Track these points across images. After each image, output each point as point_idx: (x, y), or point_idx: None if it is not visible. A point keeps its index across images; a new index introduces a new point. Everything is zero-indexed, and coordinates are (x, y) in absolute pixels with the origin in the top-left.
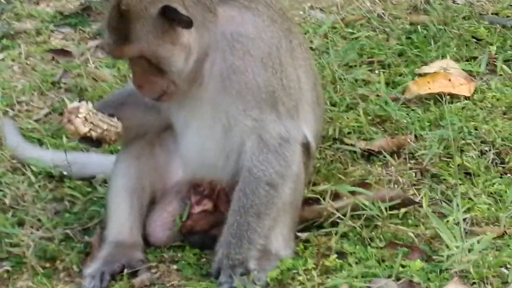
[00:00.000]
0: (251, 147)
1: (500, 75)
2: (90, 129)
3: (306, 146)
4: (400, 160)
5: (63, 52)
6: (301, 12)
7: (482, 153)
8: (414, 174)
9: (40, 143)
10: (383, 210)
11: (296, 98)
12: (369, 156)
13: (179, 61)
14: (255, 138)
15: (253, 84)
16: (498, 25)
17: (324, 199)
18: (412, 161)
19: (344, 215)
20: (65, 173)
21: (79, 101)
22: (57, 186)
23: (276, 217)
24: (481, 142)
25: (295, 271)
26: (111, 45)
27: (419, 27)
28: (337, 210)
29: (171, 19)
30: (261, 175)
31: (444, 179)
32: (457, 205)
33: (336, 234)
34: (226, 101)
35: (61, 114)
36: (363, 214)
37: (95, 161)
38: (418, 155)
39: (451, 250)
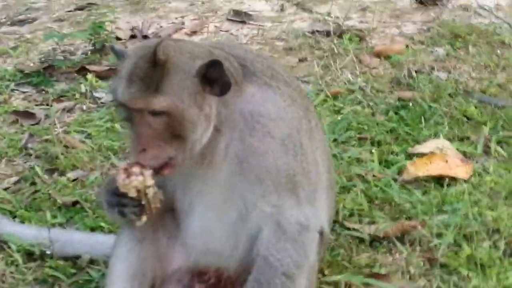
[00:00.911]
0: (268, 235)
1: (495, 157)
2: (149, 187)
3: (320, 233)
4: (405, 247)
5: (27, 114)
6: None
7: (492, 242)
8: (422, 263)
9: (12, 215)
10: None
11: (315, 183)
12: (371, 241)
13: (200, 129)
14: (272, 225)
15: (272, 167)
16: (487, 104)
17: None
18: (418, 248)
19: None
20: (47, 251)
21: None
22: (38, 265)
23: None
24: (490, 230)
25: None
26: (134, 94)
27: (410, 103)
28: None
29: (208, 80)
30: (278, 265)
31: (455, 270)
32: None
33: None
34: (242, 185)
35: (32, 184)
36: None
37: (79, 240)
38: (424, 243)
39: None
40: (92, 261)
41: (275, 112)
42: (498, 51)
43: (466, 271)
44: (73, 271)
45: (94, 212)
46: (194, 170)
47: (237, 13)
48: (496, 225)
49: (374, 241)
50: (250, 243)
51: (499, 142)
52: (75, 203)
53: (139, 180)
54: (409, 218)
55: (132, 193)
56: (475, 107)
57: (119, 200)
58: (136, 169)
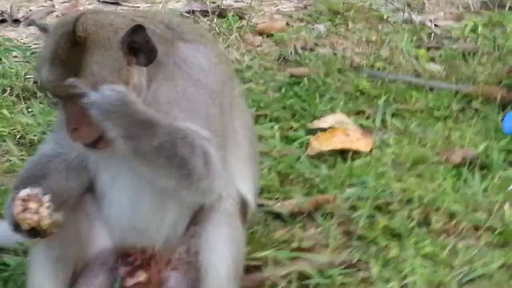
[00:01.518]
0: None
1: (391, 129)
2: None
3: (243, 204)
4: (321, 221)
5: None
6: None
7: (406, 213)
8: (339, 236)
9: None
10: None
11: (226, 149)
12: (286, 217)
13: None
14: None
15: (202, 114)
16: (376, 78)
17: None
18: (333, 222)
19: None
20: None
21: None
22: None
23: None
24: (402, 201)
25: None
26: (54, 79)
27: (304, 80)
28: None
29: (133, 50)
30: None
31: (372, 241)
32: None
33: None
34: None
35: None
36: (310, 283)
37: None
38: (338, 216)
39: None
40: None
41: (206, 65)
42: (379, 27)
43: (384, 242)
44: None
45: None
46: None
47: None
48: (406, 196)
49: (289, 217)
50: (176, 216)
51: (393, 115)
52: None
53: (33, 219)
54: (321, 192)
55: (25, 227)
56: (367, 82)
57: (14, 227)
58: (33, 205)
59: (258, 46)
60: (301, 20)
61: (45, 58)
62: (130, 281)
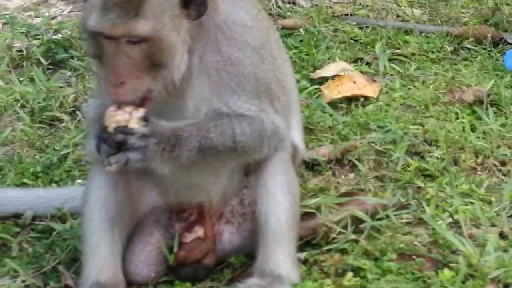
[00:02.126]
0: (250, 128)
1: (391, 74)
2: None
3: (294, 150)
4: (347, 168)
5: None
6: None
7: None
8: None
9: None
10: (393, 219)
11: (289, 94)
12: (312, 166)
13: (179, 55)
14: (256, 121)
15: (251, 76)
16: (365, 25)
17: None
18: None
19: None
20: None
21: None
22: None
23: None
24: (428, 142)
25: None
26: (113, 20)
27: (299, 30)
28: None
29: (185, 2)
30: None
31: (408, 183)
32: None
33: (340, 251)
34: (224, 95)
35: None
36: (364, 227)
37: (16, 197)
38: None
39: (472, 257)
40: (34, 218)
41: (249, 21)
42: None
43: (421, 183)
44: (16, 229)
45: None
46: (169, 100)
47: None
48: (430, 137)
49: (317, 166)
50: (232, 170)
51: (390, 60)
52: None
53: (124, 118)
54: (344, 139)
55: (111, 129)
56: (358, 29)
57: (100, 132)
58: (127, 108)
59: None
60: None
61: (95, 5)
62: (189, 237)
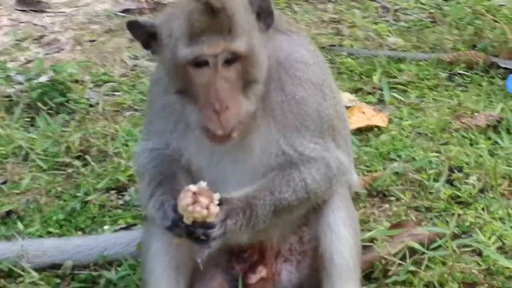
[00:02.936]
0: (316, 170)
1: (392, 103)
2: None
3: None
4: (377, 199)
5: None
6: None
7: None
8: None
9: None
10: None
11: (348, 127)
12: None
13: (264, 72)
14: (322, 163)
15: (315, 114)
16: (356, 56)
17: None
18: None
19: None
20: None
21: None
22: (17, 283)
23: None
24: (452, 169)
25: None
26: (211, 40)
27: None
28: None
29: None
30: (311, 188)
31: (443, 211)
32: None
33: (400, 283)
34: (289, 134)
35: None
36: (419, 258)
37: (54, 247)
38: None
39: None
40: (74, 268)
41: (309, 58)
42: (321, 6)
43: (459, 210)
44: (57, 281)
45: (32, 220)
46: (236, 143)
47: (24, 1)
48: (456, 163)
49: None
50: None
51: (390, 89)
52: (8, 212)
53: (202, 214)
54: (369, 169)
55: (188, 221)
56: (353, 60)
57: (173, 219)
58: (204, 200)
59: None
60: None
61: (178, 38)
62: (254, 278)
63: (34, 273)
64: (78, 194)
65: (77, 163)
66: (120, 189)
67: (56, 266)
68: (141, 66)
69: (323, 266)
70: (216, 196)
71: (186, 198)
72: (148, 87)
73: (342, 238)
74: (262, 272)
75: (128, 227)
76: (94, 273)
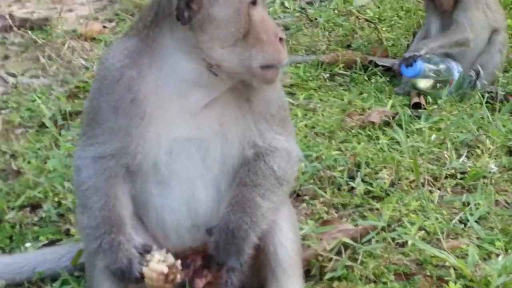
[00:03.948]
0: (280, 158)
1: None
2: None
3: None
4: (292, 199)
5: None
6: None
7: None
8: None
9: None
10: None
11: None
12: None
13: None
14: (284, 152)
15: (277, 103)
16: None
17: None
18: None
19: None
20: None
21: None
22: None
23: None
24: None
25: None
26: None
27: None
28: None
29: None
30: (278, 174)
31: (359, 206)
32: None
33: (337, 279)
34: (258, 127)
35: None
36: (358, 252)
37: None
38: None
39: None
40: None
41: None
42: None
43: (376, 204)
44: None
45: None
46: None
47: None
48: (360, 159)
49: None
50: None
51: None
52: None
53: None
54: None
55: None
56: None
57: (136, 277)
58: (172, 276)
59: (91, 51)
60: (110, 20)
61: None
62: (200, 283)
63: None
64: None
65: None
66: (34, 206)
67: None
68: (22, 82)
69: (266, 262)
70: (178, 264)
71: (158, 280)
72: (95, 83)
73: (285, 232)
74: (208, 276)
75: (50, 243)
76: None
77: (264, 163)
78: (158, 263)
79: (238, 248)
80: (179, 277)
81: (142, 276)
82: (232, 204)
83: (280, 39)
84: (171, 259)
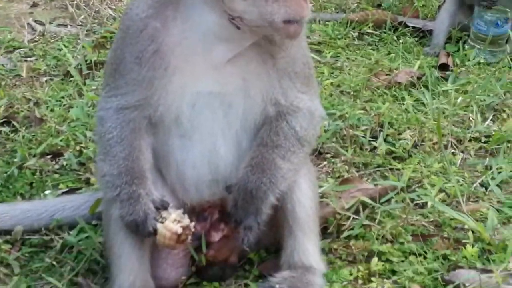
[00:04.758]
0: (302, 118)
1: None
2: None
3: None
4: (313, 157)
5: None
6: None
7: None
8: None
9: None
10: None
11: None
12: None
13: None
14: (307, 111)
15: (303, 61)
16: None
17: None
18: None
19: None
20: None
21: (165, 207)
22: None
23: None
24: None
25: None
26: None
27: None
28: None
29: None
30: (300, 135)
31: (380, 166)
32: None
33: (354, 237)
34: (282, 85)
35: None
36: (376, 212)
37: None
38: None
39: (482, 233)
40: (24, 233)
41: None
42: None
43: (397, 165)
44: (7, 246)
45: None
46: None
47: None
48: (385, 120)
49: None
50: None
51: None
52: None
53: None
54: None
55: (160, 242)
56: None
57: (149, 232)
58: (184, 237)
59: (119, 1)
60: None
61: None
62: (216, 236)
63: None
64: (15, 160)
65: (6, 129)
66: (55, 154)
67: (4, 233)
68: (50, 31)
69: (284, 219)
70: (192, 225)
71: (171, 239)
72: (118, 34)
73: (303, 190)
74: (224, 230)
75: (69, 191)
76: (46, 238)
77: (286, 123)
78: (174, 223)
79: (256, 208)
80: (190, 239)
81: (155, 232)
82: (252, 165)
83: None
84: (186, 220)
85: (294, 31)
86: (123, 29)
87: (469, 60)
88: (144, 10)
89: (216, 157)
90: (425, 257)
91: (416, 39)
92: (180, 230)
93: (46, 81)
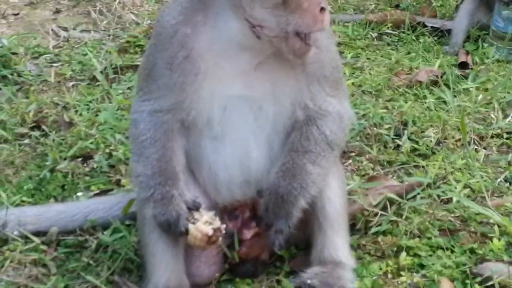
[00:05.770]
0: (332, 122)
1: None
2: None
3: None
4: None
5: None
6: None
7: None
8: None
9: None
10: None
11: None
12: None
13: None
14: (336, 115)
15: (332, 64)
16: None
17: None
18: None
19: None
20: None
21: (197, 207)
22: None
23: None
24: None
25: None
26: None
27: None
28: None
29: None
30: (330, 139)
31: (404, 164)
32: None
33: (382, 233)
34: (310, 89)
35: None
36: (403, 208)
37: (35, 214)
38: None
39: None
40: (58, 234)
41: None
42: None
43: (422, 162)
44: (43, 247)
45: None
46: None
47: None
48: (407, 118)
49: None
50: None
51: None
52: None
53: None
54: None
55: (190, 242)
56: None
57: (180, 232)
58: (215, 238)
59: (141, 6)
60: None
61: None
62: (248, 234)
63: (20, 240)
64: (46, 163)
65: (36, 133)
66: (86, 157)
67: (39, 234)
68: (74, 36)
69: (314, 216)
70: (223, 227)
71: (202, 240)
72: (151, 40)
73: (333, 188)
74: (256, 228)
75: (101, 193)
76: (80, 238)
77: (316, 128)
78: (205, 224)
79: (287, 212)
80: (220, 240)
81: (186, 232)
82: (283, 170)
83: (322, 8)
84: (217, 222)
85: (299, 48)
86: (155, 35)
87: (488, 58)
88: (174, 16)
89: (248, 159)
90: (452, 251)
91: (435, 38)
92: (211, 232)
93: (73, 85)
